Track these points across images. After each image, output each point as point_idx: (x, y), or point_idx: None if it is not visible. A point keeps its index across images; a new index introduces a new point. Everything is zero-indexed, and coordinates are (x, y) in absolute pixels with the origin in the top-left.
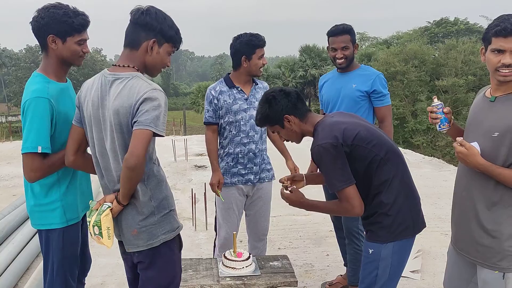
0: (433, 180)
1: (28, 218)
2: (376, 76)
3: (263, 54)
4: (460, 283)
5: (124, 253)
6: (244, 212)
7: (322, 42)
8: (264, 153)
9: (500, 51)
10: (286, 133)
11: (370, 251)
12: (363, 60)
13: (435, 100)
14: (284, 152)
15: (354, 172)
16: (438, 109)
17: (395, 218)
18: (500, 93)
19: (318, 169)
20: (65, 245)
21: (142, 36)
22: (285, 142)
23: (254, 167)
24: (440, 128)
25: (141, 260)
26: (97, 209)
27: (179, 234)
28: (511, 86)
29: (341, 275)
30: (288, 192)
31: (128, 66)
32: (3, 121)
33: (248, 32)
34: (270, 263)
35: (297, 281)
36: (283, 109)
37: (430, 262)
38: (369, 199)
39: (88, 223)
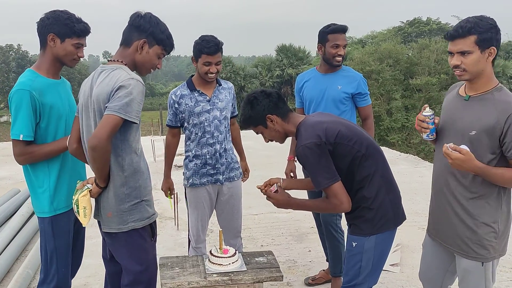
0: (409, 176)
1: (10, 218)
2: (360, 78)
3: (210, 63)
4: (438, 273)
5: (102, 232)
6: (215, 211)
7: (298, 42)
8: (231, 152)
9: (451, 53)
10: (270, 133)
11: (354, 244)
12: None
13: (427, 109)
14: (240, 152)
15: (338, 169)
16: (430, 119)
17: (377, 211)
18: (473, 92)
19: (294, 173)
20: (56, 233)
21: (135, 36)
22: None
23: (221, 167)
24: (427, 137)
25: (112, 242)
26: (80, 189)
27: (151, 223)
28: (484, 85)
29: (323, 270)
30: (274, 193)
31: (118, 61)
32: None
33: (206, 36)
34: (256, 259)
35: (282, 276)
36: (265, 109)
37: (408, 256)
38: (352, 194)
39: (72, 202)
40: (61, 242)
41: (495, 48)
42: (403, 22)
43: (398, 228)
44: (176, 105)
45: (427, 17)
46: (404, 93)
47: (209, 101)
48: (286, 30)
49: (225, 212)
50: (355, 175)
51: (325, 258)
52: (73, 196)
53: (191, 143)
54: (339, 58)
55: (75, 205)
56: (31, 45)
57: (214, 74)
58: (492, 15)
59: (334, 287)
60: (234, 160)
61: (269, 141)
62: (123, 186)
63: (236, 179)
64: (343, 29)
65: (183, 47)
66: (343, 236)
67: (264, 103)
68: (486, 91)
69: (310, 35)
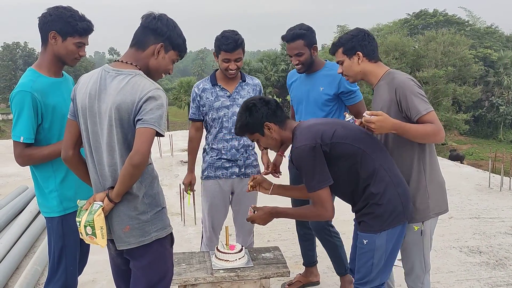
0: None
1: (15, 217)
2: (340, 76)
3: (228, 59)
4: None
5: (112, 250)
6: (230, 207)
7: None
8: (250, 148)
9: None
10: (266, 141)
11: (365, 241)
12: None
13: (347, 115)
14: None
15: (339, 170)
16: (351, 123)
17: (386, 206)
18: (372, 87)
19: (277, 169)
20: (65, 233)
21: (151, 39)
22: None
23: (238, 161)
24: None
25: (132, 257)
26: (87, 209)
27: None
28: (370, 80)
29: (300, 274)
30: (253, 213)
31: (131, 64)
32: None
33: (227, 31)
34: (262, 254)
35: (289, 271)
36: (263, 117)
37: None
38: (359, 193)
39: (78, 224)
40: (70, 241)
41: (360, 53)
42: (409, 14)
43: None
44: (198, 98)
45: (434, 9)
46: None
47: (229, 96)
48: (291, 24)
49: (239, 209)
50: (359, 173)
51: (302, 261)
52: (78, 217)
53: (209, 136)
54: (297, 67)
55: (88, 227)
56: (38, 42)
57: (234, 71)
58: (499, 6)
59: (344, 285)
60: (253, 158)
61: (264, 149)
62: (144, 197)
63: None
64: (291, 37)
65: (188, 43)
66: (339, 237)
67: (263, 110)
68: (378, 81)
69: (315, 29)
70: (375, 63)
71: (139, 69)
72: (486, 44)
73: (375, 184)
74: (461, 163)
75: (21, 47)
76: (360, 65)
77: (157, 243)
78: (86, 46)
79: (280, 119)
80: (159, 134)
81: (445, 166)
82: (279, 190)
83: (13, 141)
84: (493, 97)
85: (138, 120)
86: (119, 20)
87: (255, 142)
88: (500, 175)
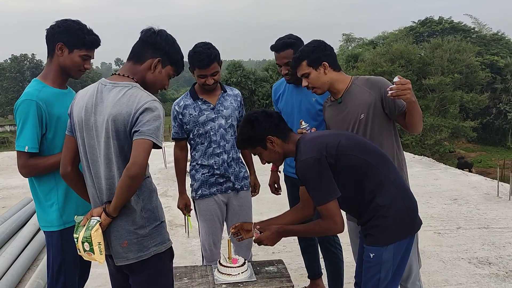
0: (424, 179)
1: (19, 230)
2: None
3: (204, 75)
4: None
5: (111, 266)
6: (225, 223)
7: None
8: (240, 161)
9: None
10: (269, 154)
11: (371, 255)
12: (349, 61)
13: (303, 123)
14: (249, 165)
15: (345, 182)
16: (307, 130)
17: (393, 219)
18: (339, 95)
19: (278, 184)
20: (64, 247)
21: (149, 53)
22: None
23: (231, 176)
24: None
25: (131, 273)
26: (84, 225)
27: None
28: (338, 88)
29: (305, 287)
30: (259, 234)
31: (128, 77)
32: None
33: (199, 46)
34: (266, 268)
35: (293, 286)
36: (266, 130)
37: (424, 262)
38: (365, 205)
39: (75, 240)
40: (69, 256)
41: (326, 63)
42: (415, 22)
43: None
44: (181, 116)
45: (439, 16)
46: (417, 93)
47: (213, 109)
48: (296, 33)
49: (235, 222)
50: (365, 185)
51: (307, 274)
52: (76, 234)
53: (196, 153)
54: (286, 78)
55: (86, 243)
56: (46, 54)
57: (212, 85)
58: (506, 13)
59: None
60: (244, 170)
61: (266, 163)
62: (142, 211)
63: (245, 188)
64: (281, 46)
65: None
66: (341, 250)
67: (265, 123)
68: (346, 88)
69: (320, 38)
70: (339, 72)
71: (136, 82)
72: (492, 51)
73: (381, 196)
74: (470, 170)
75: (28, 59)
76: (327, 75)
77: (156, 258)
78: (91, 60)
79: (283, 132)
80: (156, 146)
81: (453, 175)
82: (263, 225)
83: (17, 151)
84: (500, 104)
85: (135, 131)
86: (126, 31)
87: (257, 155)
88: (509, 183)
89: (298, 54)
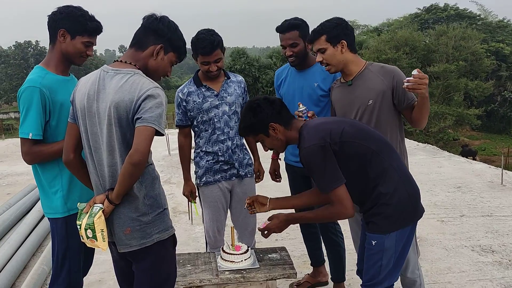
0: (427, 167)
1: (24, 216)
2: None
3: (208, 62)
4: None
5: (115, 253)
6: (229, 210)
7: None
8: (244, 148)
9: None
10: (271, 141)
11: (373, 242)
12: None
13: (300, 105)
14: (254, 152)
15: (348, 169)
16: (304, 113)
17: (395, 207)
18: (351, 77)
19: (278, 173)
20: (69, 234)
21: (151, 39)
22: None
23: (236, 163)
24: None
25: (134, 260)
26: (87, 212)
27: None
28: (354, 69)
29: (308, 274)
30: (270, 224)
31: (130, 64)
32: None
33: (202, 33)
34: (269, 255)
35: (296, 273)
36: (268, 117)
37: (427, 249)
38: (368, 193)
39: (78, 227)
40: (74, 243)
41: (344, 41)
42: (420, 9)
43: None
44: (184, 103)
45: (445, 3)
46: None
47: (217, 95)
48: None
49: (239, 211)
50: (368, 173)
51: (309, 262)
52: (79, 221)
53: (200, 140)
54: (290, 59)
55: (89, 230)
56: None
57: (215, 72)
58: None
59: None
60: (248, 157)
61: (268, 150)
62: (145, 198)
63: (249, 175)
64: (287, 27)
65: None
66: (343, 238)
67: (268, 110)
68: (359, 71)
69: None
70: (355, 54)
71: (138, 69)
72: (498, 38)
73: (384, 183)
74: (474, 158)
75: (32, 46)
76: (343, 54)
77: (159, 245)
78: (94, 46)
79: (285, 119)
80: (158, 133)
81: (457, 162)
82: (278, 203)
83: (21, 138)
84: (505, 91)
85: (137, 118)
86: (130, 18)
87: (260, 143)
88: None
89: (318, 28)
